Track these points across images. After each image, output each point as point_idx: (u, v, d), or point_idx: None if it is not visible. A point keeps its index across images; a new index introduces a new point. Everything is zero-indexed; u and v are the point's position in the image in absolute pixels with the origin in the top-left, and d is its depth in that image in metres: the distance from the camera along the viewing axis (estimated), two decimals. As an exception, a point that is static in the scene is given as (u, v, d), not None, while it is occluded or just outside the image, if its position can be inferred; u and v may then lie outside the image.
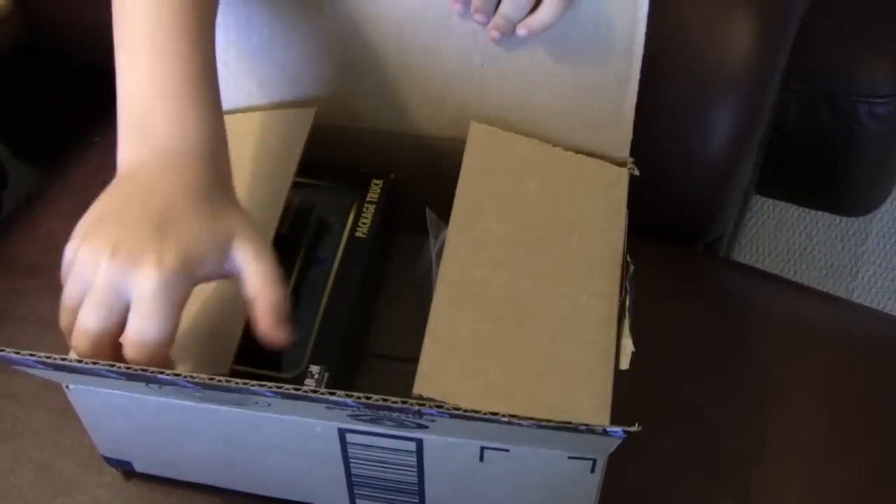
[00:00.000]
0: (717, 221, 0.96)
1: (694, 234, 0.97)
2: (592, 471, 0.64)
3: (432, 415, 0.56)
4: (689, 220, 0.94)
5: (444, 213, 0.81)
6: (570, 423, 0.54)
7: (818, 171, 1.21)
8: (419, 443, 0.64)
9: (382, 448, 0.65)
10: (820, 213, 1.64)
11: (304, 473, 0.69)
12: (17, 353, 0.58)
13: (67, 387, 0.67)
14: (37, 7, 1.00)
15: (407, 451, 0.65)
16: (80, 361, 0.57)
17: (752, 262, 1.61)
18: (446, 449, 0.64)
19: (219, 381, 0.56)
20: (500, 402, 0.61)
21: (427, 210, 0.80)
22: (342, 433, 0.64)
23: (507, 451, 0.63)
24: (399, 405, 0.55)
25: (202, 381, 0.56)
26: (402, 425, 0.60)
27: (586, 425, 0.54)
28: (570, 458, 0.63)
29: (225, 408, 0.64)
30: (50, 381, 0.68)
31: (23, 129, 1.26)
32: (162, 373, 0.57)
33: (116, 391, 0.65)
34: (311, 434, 0.65)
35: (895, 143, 1.21)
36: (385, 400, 0.55)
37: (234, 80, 0.79)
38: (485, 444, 0.63)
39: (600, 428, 0.54)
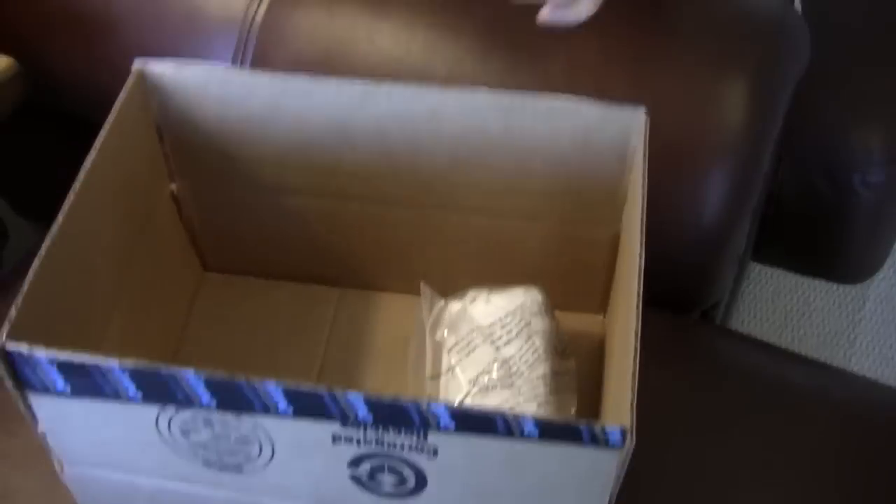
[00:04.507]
0: (712, 290, 0.96)
1: (688, 303, 0.97)
2: None
3: (440, 415, 0.56)
4: (684, 288, 0.94)
5: (437, 282, 0.82)
6: (569, 422, 0.55)
7: (813, 238, 1.22)
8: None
9: None
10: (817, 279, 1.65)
11: None
12: (30, 347, 0.57)
13: (62, 470, 0.68)
14: (40, 67, 1.02)
15: None
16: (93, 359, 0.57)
17: (749, 327, 1.61)
18: None
19: (228, 376, 0.56)
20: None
21: (421, 284, 0.80)
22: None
23: None
24: (410, 401, 0.55)
25: (211, 375, 0.56)
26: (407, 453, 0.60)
27: (587, 425, 0.55)
28: None
29: (222, 493, 0.64)
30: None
31: (24, 185, 1.27)
32: (170, 370, 0.56)
33: (113, 474, 0.66)
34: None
35: (889, 211, 1.22)
36: (395, 398, 0.55)
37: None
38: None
39: (599, 427, 0.55)
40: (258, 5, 0.93)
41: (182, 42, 0.97)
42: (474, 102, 0.72)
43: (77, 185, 0.68)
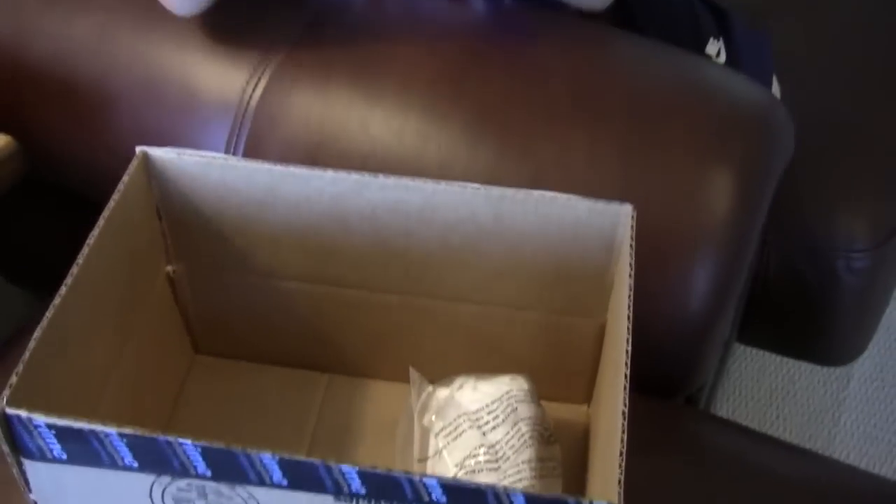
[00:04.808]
0: (696, 376, 0.97)
1: (673, 388, 0.98)
2: None
3: (432, 489, 0.57)
4: (668, 375, 0.95)
5: (426, 369, 0.83)
6: (558, 498, 0.57)
7: (798, 322, 1.23)
8: None
9: None
10: (801, 358, 1.66)
11: None
12: (29, 412, 0.59)
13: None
14: (36, 144, 1.03)
15: None
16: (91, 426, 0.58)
17: (734, 406, 1.62)
18: None
19: (224, 446, 0.57)
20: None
21: (410, 369, 0.82)
22: None
23: None
24: (403, 474, 0.57)
25: (208, 445, 0.57)
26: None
27: (576, 500, 0.56)
28: None
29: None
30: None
31: (16, 253, 1.28)
32: (167, 438, 0.58)
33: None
34: None
35: (873, 296, 1.24)
36: (388, 471, 0.56)
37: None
38: None
39: (588, 502, 0.56)
40: (253, 89, 0.95)
41: (178, 122, 0.98)
42: (466, 195, 0.74)
43: (79, 263, 0.69)
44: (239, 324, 0.88)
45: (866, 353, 1.61)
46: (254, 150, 0.95)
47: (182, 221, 0.80)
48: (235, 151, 0.96)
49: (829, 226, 1.17)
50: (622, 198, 0.78)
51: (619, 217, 0.73)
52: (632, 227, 0.72)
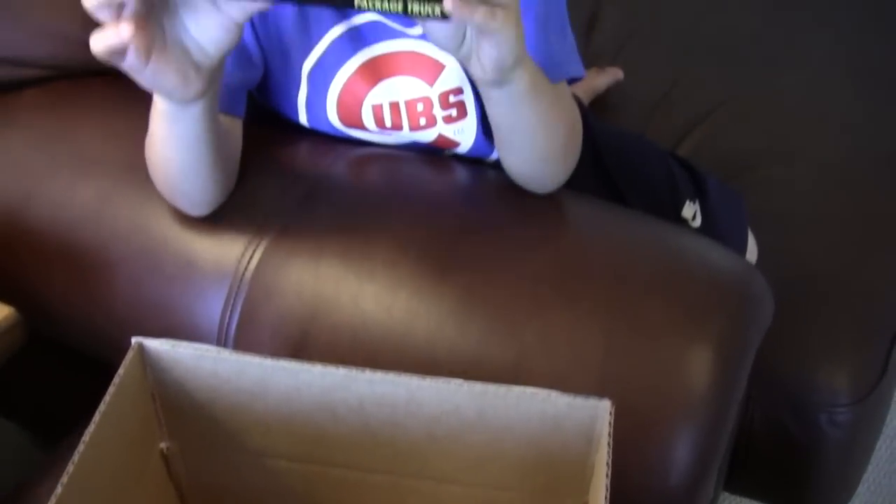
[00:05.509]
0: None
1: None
2: None
3: None
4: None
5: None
6: None
7: (783, 474, 1.25)
8: None
9: None
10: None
11: None
12: None
13: None
14: (35, 307, 1.05)
15: None
16: None
17: (724, 546, 1.62)
18: None
19: None
20: None
21: None
22: None
23: None
24: None
25: None
26: None
27: None
28: None
29: None
30: None
31: (13, 396, 1.30)
32: None
33: None
34: None
35: (857, 448, 1.26)
36: None
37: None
38: None
39: None
40: (249, 260, 0.98)
41: (175, 291, 1.01)
42: (450, 390, 0.77)
43: (74, 461, 0.72)
44: (232, 496, 0.90)
45: (860, 488, 1.63)
46: (248, 320, 0.98)
47: (176, 407, 0.82)
48: (230, 321, 0.98)
49: (811, 380, 1.20)
50: (602, 377, 0.80)
51: (597, 411, 0.76)
52: (610, 422, 0.74)
